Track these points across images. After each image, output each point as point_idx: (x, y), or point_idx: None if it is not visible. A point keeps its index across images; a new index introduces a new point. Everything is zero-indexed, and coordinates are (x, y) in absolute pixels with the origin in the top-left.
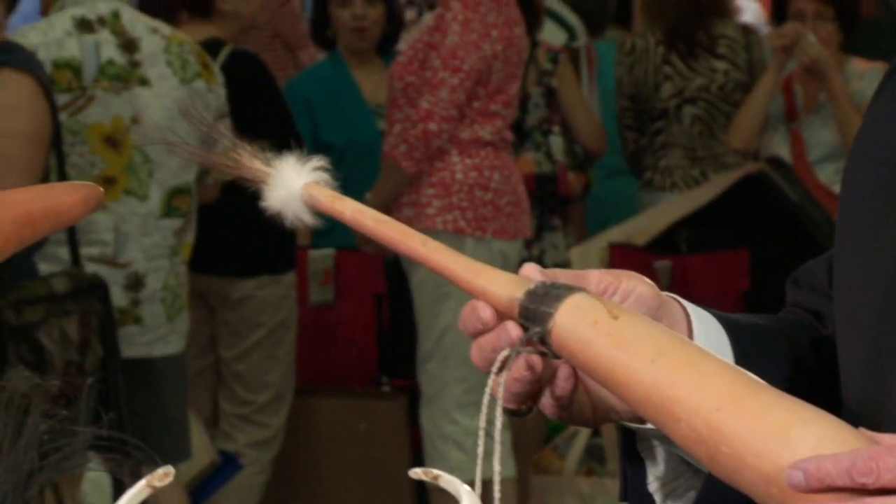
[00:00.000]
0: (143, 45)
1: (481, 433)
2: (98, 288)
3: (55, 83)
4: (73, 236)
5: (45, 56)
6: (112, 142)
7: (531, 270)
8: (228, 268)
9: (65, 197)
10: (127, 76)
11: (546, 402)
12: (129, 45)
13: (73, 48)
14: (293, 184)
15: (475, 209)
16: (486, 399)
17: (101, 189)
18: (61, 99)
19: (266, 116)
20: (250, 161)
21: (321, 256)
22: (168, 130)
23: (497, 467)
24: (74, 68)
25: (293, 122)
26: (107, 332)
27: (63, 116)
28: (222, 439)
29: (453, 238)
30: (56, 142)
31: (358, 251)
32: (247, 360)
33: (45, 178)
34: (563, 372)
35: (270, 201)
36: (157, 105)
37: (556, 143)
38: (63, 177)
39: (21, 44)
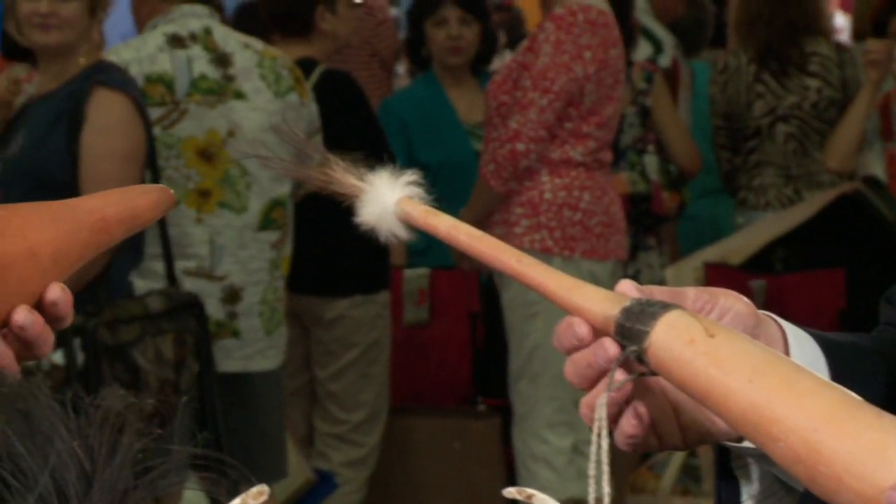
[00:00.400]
0: (236, 60)
1: (593, 451)
2: (193, 306)
3: (148, 97)
4: (167, 251)
5: (138, 71)
6: (206, 155)
7: (627, 287)
8: (322, 287)
9: (138, 200)
10: (220, 90)
11: (618, 434)
12: (221, 59)
13: (164, 63)
14: (387, 199)
15: (563, 229)
16: (597, 417)
17: (172, 191)
18: (154, 112)
19: (359, 135)
20: (344, 176)
21: (416, 276)
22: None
23: (606, 489)
24: (166, 82)
25: (386, 141)
26: (202, 350)
27: (157, 130)
28: (317, 458)
29: (540, 258)
30: (151, 160)
31: (453, 270)
32: (341, 380)
33: None
34: (632, 414)
35: (364, 216)
36: (253, 118)
37: (651, 162)
38: None
39: (115, 63)
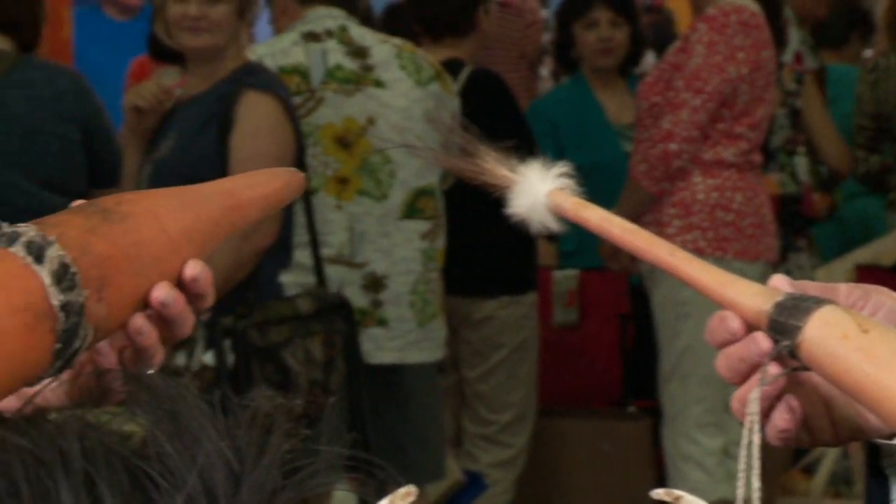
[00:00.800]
0: (374, 52)
1: (743, 445)
2: (342, 307)
3: None
4: (314, 242)
5: (272, 63)
6: (344, 142)
7: (780, 282)
8: (469, 288)
9: (269, 181)
10: (358, 79)
11: (770, 428)
12: (358, 52)
13: (298, 55)
14: (538, 190)
15: (716, 229)
16: (749, 411)
17: (303, 175)
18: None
19: (508, 135)
20: (495, 167)
21: (566, 277)
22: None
23: (756, 484)
24: (301, 72)
25: (535, 141)
26: (351, 351)
27: None
28: (465, 459)
29: None
30: (300, 161)
31: (603, 272)
32: (489, 381)
33: None
34: (784, 408)
35: (515, 208)
36: (394, 106)
37: (801, 163)
38: (307, 191)
39: (263, 64)
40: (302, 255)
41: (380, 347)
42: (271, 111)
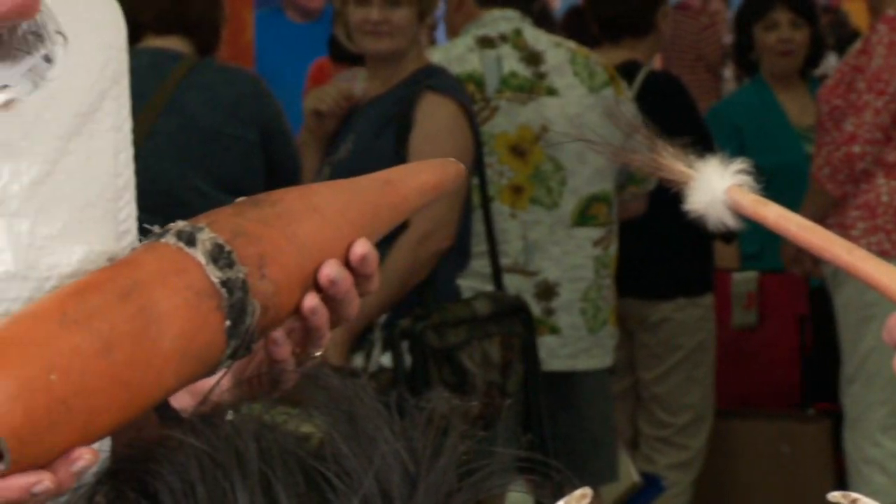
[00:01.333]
0: (548, 58)
1: None
2: (520, 310)
3: None
4: (493, 251)
5: None
6: (518, 151)
7: None
8: (645, 290)
9: (430, 170)
10: (531, 87)
11: None
12: (532, 58)
13: (474, 62)
14: (716, 187)
15: None
16: None
17: (462, 165)
18: None
19: (685, 135)
20: (673, 162)
21: (745, 279)
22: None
23: None
24: (476, 80)
25: (713, 142)
26: (529, 354)
27: None
28: (642, 461)
29: None
30: (478, 165)
31: (783, 274)
32: (666, 383)
33: (466, 200)
34: None
35: (693, 204)
36: (566, 114)
37: None
38: (484, 192)
39: (443, 67)
40: (479, 265)
41: (552, 355)
42: (451, 114)
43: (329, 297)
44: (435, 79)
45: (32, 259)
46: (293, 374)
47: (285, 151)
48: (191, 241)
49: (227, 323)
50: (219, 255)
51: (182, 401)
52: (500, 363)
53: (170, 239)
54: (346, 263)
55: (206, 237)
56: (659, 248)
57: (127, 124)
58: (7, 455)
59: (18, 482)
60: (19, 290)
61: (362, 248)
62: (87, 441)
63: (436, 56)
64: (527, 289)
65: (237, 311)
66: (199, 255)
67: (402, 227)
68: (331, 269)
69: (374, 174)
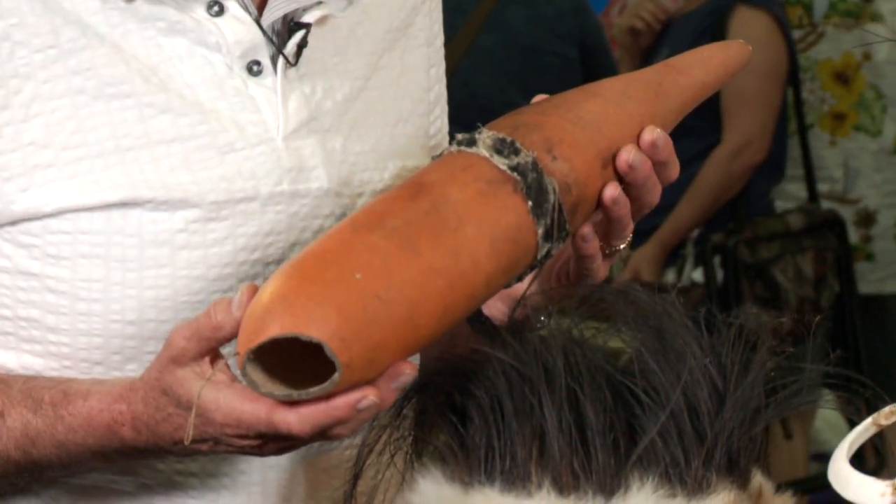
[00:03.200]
0: None
1: None
2: (834, 224)
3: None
4: (809, 172)
5: None
6: (843, 78)
7: None
8: None
9: (715, 50)
10: (858, 13)
11: None
12: None
13: None
14: None
15: None
16: None
17: (749, 47)
18: (793, 35)
19: None
20: None
21: None
22: None
23: None
24: (805, 5)
25: None
26: (843, 268)
27: None
28: None
29: None
30: (793, 78)
31: None
32: None
33: (780, 114)
34: None
35: None
36: (890, 41)
37: None
38: (800, 114)
39: None
40: (795, 188)
41: (862, 279)
42: (764, 26)
43: (630, 185)
44: None
45: (345, 175)
46: (603, 289)
47: (605, 67)
48: (471, 142)
49: (530, 203)
50: (502, 147)
51: (495, 308)
52: (812, 278)
53: (452, 147)
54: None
55: (485, 136)
56: None
57: (439, 39)
58: (336, 360)
59: (344, 400)
60: (332, 206)
61: (650, 134)
62: (419, 334)
63: None
64: (846, 216)
65: (536, 191)
66: (482, 150)
67: (717, 142)
68: (628, 154)
69: (655, 64)
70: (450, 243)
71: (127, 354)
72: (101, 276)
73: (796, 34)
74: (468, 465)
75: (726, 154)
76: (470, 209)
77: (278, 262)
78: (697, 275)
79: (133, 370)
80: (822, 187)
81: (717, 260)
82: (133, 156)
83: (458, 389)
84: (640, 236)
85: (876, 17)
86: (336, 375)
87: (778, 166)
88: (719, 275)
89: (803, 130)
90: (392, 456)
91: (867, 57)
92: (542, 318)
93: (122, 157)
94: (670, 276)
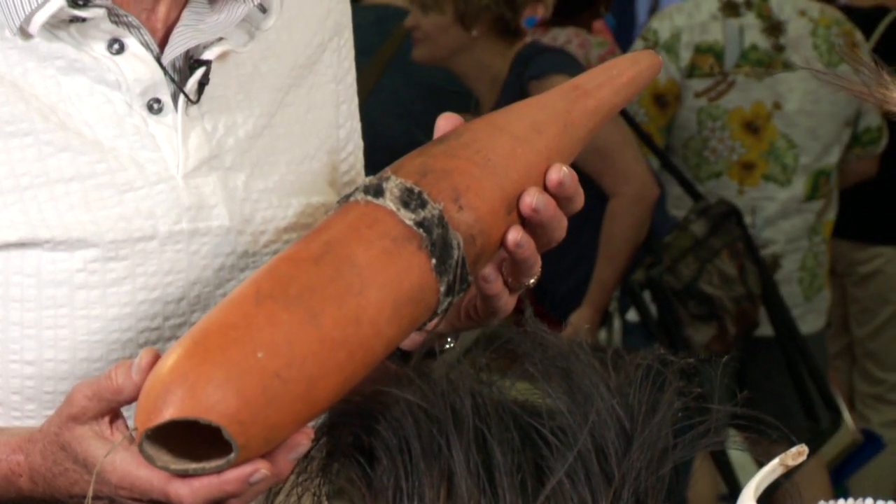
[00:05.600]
0: (789, 29)
1: None
2: (731, 213)
3: (696, 67)
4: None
5: (689, 39)
6: (752, 127)
7: None
8: (859, 234)
9: (622, 67)
10: (770, 62)
11: None
12: (773, 28)
13: (716, 32)
14: None
15: None
16: None
17: (660, 58)
18: (702, 84)
19: None
20: None
21: None
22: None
23: None
24: (717, 53)
25: None
26: (752, 249)
27: (703, 101)
28: (857, 420)
29: None
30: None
31: None
32: (879, 339)
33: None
34: None
35: None
36: (800, 89)
37: None
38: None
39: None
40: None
41: (765, 323)
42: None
43: (535, 225)
44: (533, 67)
45: (248, 213)
46: (510, 330)
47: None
48: (378, 192)
49: (433, 261)
50: (409, 199)
51: (413, 341)
52: (735, 274)
53: (357, 196)
54: (546, 188)
55: (392, 185)
56: (876, 192)
57: (350, 76)
58: (233, 441)
59: (235, 474)
60: (234, 244)
61: (557, 173)
62: (317, 408)
63: (678, 19)
64: None
65: (440, 248)
66: (388, 202)
67: (605, 200)
68: (531, 198)
69: (564, 83)
70: (352, 310)
71: (26, 394)
72: (0, 316)
73: (706, 83)
74: None
75: (627, 204)
76: (374, 271)
77: (178, 300)
78: (632, 315)
79: (32, 410)
80: None
81: (646, 296)
82: (32, 195)
83: (366, 430)
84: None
85: (787, 66)
86: (232, 455)
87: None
88: (653, 309)
89: (648, 143)
90: (299, 497)
91: (777, 106)
92: (449, 340)
93: (21, 195)
94: (603, 336)
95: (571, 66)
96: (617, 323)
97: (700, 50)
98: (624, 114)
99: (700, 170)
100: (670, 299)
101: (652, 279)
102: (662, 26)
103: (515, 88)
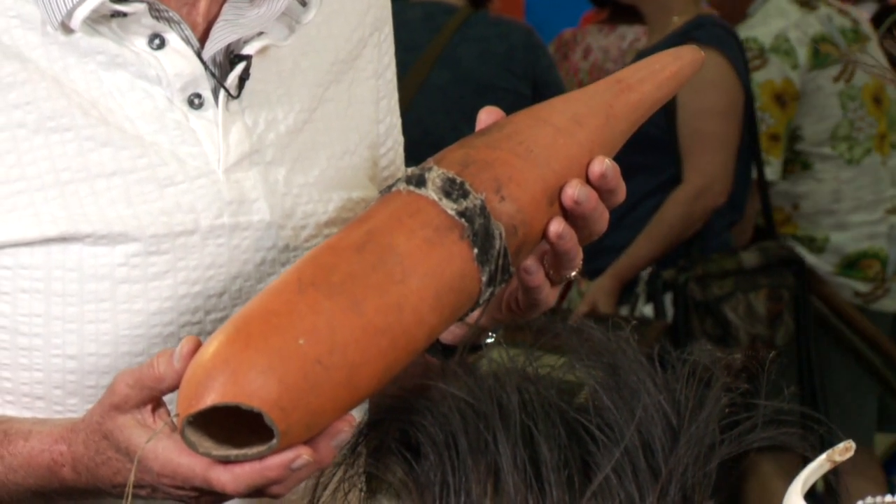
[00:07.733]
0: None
1: None
2: (792, 262)
3: (822, 57)
4: (766, 202)
5: (798, 35)
6: (877, 100)
7: None
8: None
9: (665, 61)
10: (855, 37)
11: None
12: (841, 11)
13: (814, 24)
14: None
15: None
16: None
17: (702, 52)
18: (833, 70)
19: None
20: None
21: None
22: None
23: None
24: (828, 39)
25: None
26: (800, 306)
27: (841, 85)
28: None
29: None
30: (749, 117)
31: None
32: None
33: (740, 154)
34: None
35: None
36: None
37: None
38: (756, 152)
39: (716, 18)
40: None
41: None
42: (716, 66)
43: (576, 217)
44: (701, 31)
45: (288, 207)
46: (557, 325)
47: None
48: (420, 182)
49: (475, 250)
50: (451, 189)
51: (455, 335)
52: (766, 315)
53: (399, 185)
54: (588, 179)
55: (435, 175)
56: None
57: (389, 71)
58: (275, 427)
59: (277, 461)
60: (275, 239)
61: (600, 165)
62: (359, 395)
63: (773, 21)
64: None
65: (482, 237)
66: (430, 193)
67: (678, 181)
68: (573, 190)
69: (607, 77)
70: (394, 298)
71: (68, 389)
72: (42, 311)
73: (835, 70)
74: (423, 501)
75: (688, 195)
76: (416, 260)
77: (220, 294)
78: (648, 311)
79: (74, 404)
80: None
81: (668, 296)
82: (73, 189)
83: (412, 426)
84: (596, 274)
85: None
86: (274, 441)
87: (736, 206)
88: (669, 311)
89: (760, 168)
90: (346, 494)
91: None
92: (491, 334)
93: (62, 190)
94: (624, 312)
95: (731, 48)
96: (640, 304)
97: (816, 40)
98: (751, 125)
99: (853, 152)
100: (689, 308)
101: (678, 282)
102: (761, 33)
103: (678, 42)
